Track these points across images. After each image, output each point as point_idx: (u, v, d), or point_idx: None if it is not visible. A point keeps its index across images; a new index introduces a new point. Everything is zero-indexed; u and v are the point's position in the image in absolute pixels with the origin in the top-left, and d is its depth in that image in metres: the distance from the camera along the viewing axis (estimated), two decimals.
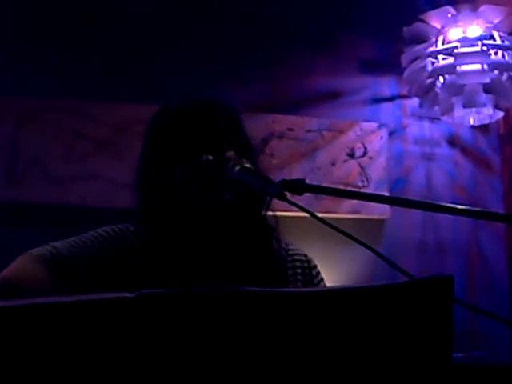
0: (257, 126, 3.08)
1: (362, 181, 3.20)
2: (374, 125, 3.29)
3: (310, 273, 1.58)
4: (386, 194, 3.16)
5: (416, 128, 3.43)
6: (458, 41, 3.03)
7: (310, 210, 1.24)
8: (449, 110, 3.12)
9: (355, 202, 3.02)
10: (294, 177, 1.32)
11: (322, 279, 1.61)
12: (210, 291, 0.81)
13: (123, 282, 1.38)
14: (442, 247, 3.33)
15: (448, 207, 1.19)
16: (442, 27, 3.07)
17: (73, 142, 2.91)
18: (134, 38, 3.07)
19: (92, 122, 2.93)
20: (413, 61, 3.15)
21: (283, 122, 3.15)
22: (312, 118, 3.21)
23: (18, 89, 2.91)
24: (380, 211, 3.17)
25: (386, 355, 0.87)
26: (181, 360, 0.78)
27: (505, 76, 3.07)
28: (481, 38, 3.01)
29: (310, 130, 3.18)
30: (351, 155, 3.21)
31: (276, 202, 1.39)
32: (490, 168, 3.49)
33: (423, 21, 3.09)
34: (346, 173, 3.19)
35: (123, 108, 2.97)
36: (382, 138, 3.28)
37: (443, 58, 3.07)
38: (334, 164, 3.18)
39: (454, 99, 3.07)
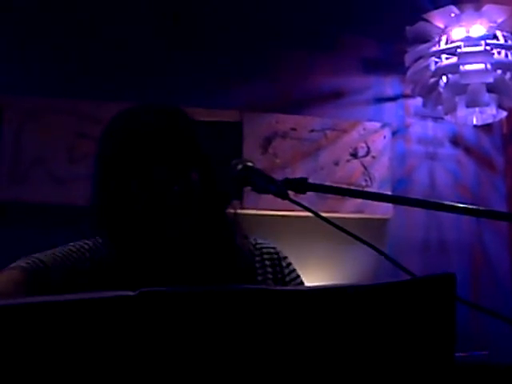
0: (260, 125, 3.08)
1: (366, 180, 3.20)
2: (378, 124, 3.29)
3: (279, 263, 1.56)
4: (390, 193, 3.16)
5: (419, 127, 3.43)
6: (462, 40, 3.03)
7: (313, 209, 1.24)
8: (452, 109, 3.12)
9: (358, 201, 3.02)
10: (297, 176, 1.31)
11: (293, 270, 1.58)
12: (212, 290, 0.81)
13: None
14: (445, 246, 3.33)
15: (451, 206, 1.19)
16: (446, 27, 3.07)
17: (75, 142, 2.91)
18: (136, 38, 3.07)
19: (95, 121, 2.93)
20: (416, 60, 3.15)
21: (286, 121, 3.15)
22: (315, 118, 3.21)
23: (21, 89, 2.91)
24: (383, 211, 3.17)
25: (388, 353, 0.86)
26: (182, 358, 0.78)
27: (508, 75, 3.06)
28: (484, 38, 3.01)
29: (313, 130, 3.18)
30: (354, 155, 3.21)
31: (279, 201, 1.38)
32: (493, 167, 3.48)
33: (426, 20, 3.08)
34: (349, 172, 3.19)
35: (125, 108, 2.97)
36: (385, 137, 3.27)
37: (446, 58, 3.07)
38: (337, 164, 3.18)
39: (457, 99, 3.07)
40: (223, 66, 3.15)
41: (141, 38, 3.08)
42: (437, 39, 3.09)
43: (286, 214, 2.85)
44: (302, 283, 1.56)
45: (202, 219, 1.43)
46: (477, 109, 3.13)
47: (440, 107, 3.20)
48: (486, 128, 3.44)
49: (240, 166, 1.38)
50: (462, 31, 3.05)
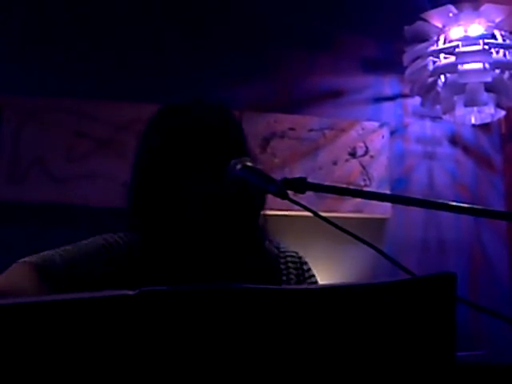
0: (259, 125, 3.09)
1: (364, 180, 3.20)
2: (376, 124, 3.29)
3: (301, 267, 1.59)
4: (388, 192, 3.16)
5: (417, 127, 3.43)
6: (460, 40, 3.03)
7: (312, 209, 1.24)
8: (450, 108, 3.12)
9: (357, 201, 3.02)
10: (296, 176, 1.32)
11: (313, 275, 1.62)
12: (212, 288, 0.81)
13: (116, 286, 1.37)
14: (443, 246, 3.33)
15: (450, 205, 1.19)
16: (444, 26, 3.07)
17: (74, 141, 2.91)
18: (135, 38, 3.07)
19: (93, 121, 2.94)
20: (414, 60, 3.15)
21: (285, 121, 3.15)
22: (314, 118, 3.21)
23: (20, 88, 2.91)
24: (382, 210, 3.18)
25: (388, 353, 0.87)
26: (182, 357, 0.78)
27: (506, 75, 3.07)
28: (482, 37, 3.01)
29: (311, 130, 3.18)
30: (353, 154, 3.21)
31: (278, 200, 1.39)
32: (491, 167, 3.49)
33: (425, 20, 3.09)
34: (348, 172, 3.19)
35: (125, 107, 2.97)
36: (383, 137, 3.27)
37: (445, 57, 3.07)
38: (335, 163, 3.18)
39: (455, 98, 3.07)
40: (222, 65, 3.15)
41: (140, 37, 3.08)
42: (435, 39, 3.09)
43: (285, 214, 2.85)
44: None
45: (237, 219, 1.45)
46: (475, 108, 3.13)
47: (438, 106, 3.20)
48: (485, 127, 3.44)
49: (239, 166, 1.38)
50: (460, 30, 3.05)
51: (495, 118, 3.25)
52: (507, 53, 3.04)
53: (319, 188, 1.36)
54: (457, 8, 3.04)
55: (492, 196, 3.45)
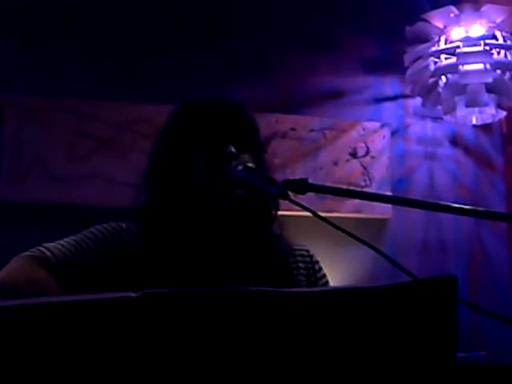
0: (259, 125, 3.08)
1: (365, 180, 3.20)
2: (377, 124, 3.29)
3: (312, 267, 1.60)
4: (389, 193, 3.16)
5: (418, 127, 3.43)
6: (461, 40, 3.03)
7: (312, 209, 1.24)
8: (451, 109, 3.12)
9: (357, 201, 3.02)
10: (297, 176, 1.32)
11: (324, 275, 1.63)
12: (215, 291, 0.81)
13: (117, 278, 1.38)
14: (444, 247, 3.33)
15: (450, 207, 1.19)
16: (445, 27, 3.07)
17: (75, 141, 2.91)
18: (136, 38, 3.07)
19: (94, 121, 2.94)
20: (415, 60, 3.15)
21: (286, 121, 3.15)
22: (314, 118, 3.21)
23: (21, 87, 2.91)
24: (382, 211, 3.17)
25: (389, 355, 0.87)
26: (184, 359, 0.78)
27: (507, 75, 3.07)
28: (483, 38, 3.01)
29: (312, 130, 3.18)
30: (354, 155, 3.21)
31: (278, 200, 1.39)
32: (492, 167, 3.48)
33: (426, 20, 3.09)
34: (349, 172, 3.19)
35: (125, 107, 2.97)
36: (384, 137, 3.27)
37: (446, 58, 3.07)
38: (336, 164, 3.18)
39: (456, 99, 3.07)
40: (222, 65, 3.15)
41: (141, 38, 3.08)
42: (436, 39, 3.10)
43: (284, 214, 2.85)
44: None
45: (250, 215, 1.47)
46: (476, 109, 3.13)
47: (439, 107, 3.20)
48: (486, 128, 3.44)
49: (240, 167, 1.39)
50: (462, 31, 3.05)
51: (496, 119, 3.25)
52: (508, 53, 3.04)
53: (320, 189, 1.36)
54: (458, 9, 3.04)
55: (493, 197, 3.45)
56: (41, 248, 1.40)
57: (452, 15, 3.04)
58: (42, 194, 2.84)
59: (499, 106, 3.12)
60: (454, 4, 3.08)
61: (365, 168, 3.21)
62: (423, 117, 3.42)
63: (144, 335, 0.77)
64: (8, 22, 2.98)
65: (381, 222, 3.22)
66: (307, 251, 1.63)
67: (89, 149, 2.92)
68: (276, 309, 0.81)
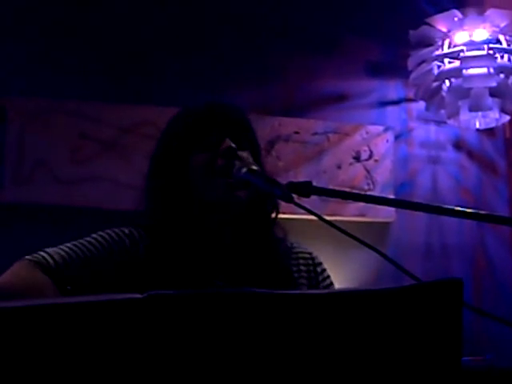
0: (263, 128, 3.08)
1: (368, 184, 3.20)
2: (380, 128, 3.29)
3: (314, 270, 1.59)
4: (392, 197, 3.16)
5: (422, 131, 3.43)
6: (465, 44, 3.03)
7: (316, 212, 1.24)
8: (455, 113, 3.12)
9: (361, 204, 3.02)
10: (300, 180, 1.32)
11: (328, 276, 1.62)
12: (219, 292, 0.81)
13: (119, 284, 1.39)
14: (447, 250, 3.33)
15: (454, 210, 1.19)
16: (449, 31, 3.07)
17: (78, 144, 2.91)
18: (140, 40, 3.08)
19: (98, 123, 2.94)
20: (419, 64, 3.15)
21: (289, 124, 3.15)
22: (318, 121, 3.21)
23: (24, 89, 2.91)
24: (385, 214, 3.17)
25: (394, 359, 0.87)
26: (189, 360, 0.79)
27: (511, 80, 3.07)
28: (487, 42, 3.01)
29: (315, 133, 3.18)
30: (357, 158, 3.21)
31: (283, 204, 1.39)
32: (495, 171, 3.48)
33: (430, 24, 3.09)
34: (352, 176, 3.19)
35: (129, 109, 2.98)
36: (387, 141, 3.27)
37: (449, 62, 3.07)
38: (339, 167, 3.18)
39: (460, 103, 3.07)
40: (225, 68, 3.15)
41: (144, 39, 3.08)
42: (440, 43, 3.10)
43: (288, 217, 2.85)
44: None
45: (250, 218, 1.48)
46: (480, 113, 3.13)
47: (443, 111, 3.20)
48: (489, 132, 3.44)
49: (245, 170, 1.39)
50: (465, 35, 3.05)
51: (500, 123, 3.25)
52: None
53: (325, 192, 1.37)
54: (462, 13, 3.04)
55: (496, 201, 3.44)
56: (42, 253, 1.40)
57: (456, 19, 3.04)
58: (46, 196, 2.84)
59: (503, 110, 3.11)
60: (457, 8, 3.08)
61: (368, 172, 3.21)
62: (427, 121, 3.42)
63: (149, 336, 0.77)
64: (11, 23, 2.98)
65: (384, 226, 3.22)
66: (310, 253, 1.63)
67: (92, 151, 2.92)
68: (281, 311, 0.82)
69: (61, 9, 3.03)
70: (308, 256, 1.61)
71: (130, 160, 2.90)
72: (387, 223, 3.22)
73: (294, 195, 1.29)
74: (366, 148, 3.23)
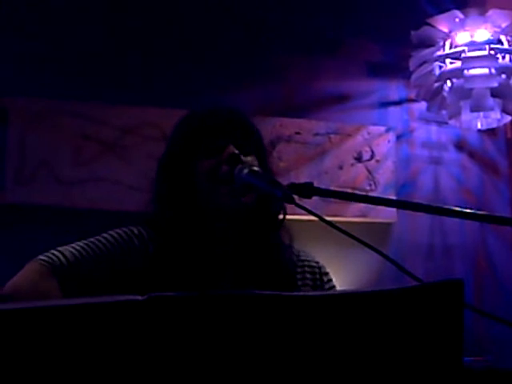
0: (264, 129, 3.06)
1: (370, 184, 3.20)
2: (382, 128, 3.29)
3: (320, 278, 1.60)
4: (394, 197, 3.16)
5: (423, 132, 3.43)
6: (466, 45, 3.03)
7: (317, 213, 1.24)
8: (456, 113, 3.12)
9: (362, 205, 3.02)
10: (302, 180, 1.32)
11: (333, 286, 1.63)
12: (220, 294, 0.81)
13: (128, 284, 1.40)
14: (449, 251, 3.33)
15: (455, 211, 1.19)
16: (450, 31, 3.07)
17: (81, 145, 2.91)
18: (142, 41, 3.08)
19: (100, 124, 2.94)
20: (420, 65, 3.15)
21: (291, 125, 3.15)
22: (319, 122, 3.21)
23: (26, 90, 2.91)
24: (387, 215, 3.17)
25: (396, 359, 0.87)
26: (190, 362, 0.79)
27: None
28: (488, 42, 3.01)
29: (317, 134, 3.18)
30: (358, 159, 3.21)
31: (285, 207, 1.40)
32: (497, 172, 3.48)
33: (431, 25, 3.09)
34: (354, 176, 3.19)
35: (131, 111, 2.98)
36: (389, 141, 3.27)
37: (451, 62, 3.07)
38: (341, 168, 3.18)
39: (461, 103, 3.07)
40: (228, 70, 3.15)
41: (146, 40, 3.09)
42: (441, 44, 3.10)
43: (289, 218, 2.84)
44: None
45: (256, 224, 1.48)
46: (481, 113, 3.13)
47: (444, 112, 3.20)
48: (491, 132, 3.43)
49: (246, 171, 1.39)
50: (467, 36, 3.05)
51: (501, 123, 3.25)
52: None
53: (326, 193, 1.36)
54: (463, 13, 3.04)
55: (497, 201, 3.44)
56: (55, 251, 1.42)
57: (457, 20, 3.04)
58: (47, 197, 2.84)
59: (504, 111, 3.11)
60: (459, 8, 3.08)
61: (370, 172, 3.21)
62: (428, 121, 3.42)
63: (150, 338, 0.77)
64: (14, 24, 2.98)
65: (385, 227, 3.22)
66: (317, 263, 1.63)
67: (94, 152, 2.92)
68: (284, 312, 0.82)
69: (62, 11, 3.03)
70: (315, 265, 1.62)
71: (131, 161, 2.90)
72: (389, 224, 3.22)
73: (295, 196, 1.29)
74: (368, 148, 3.23)
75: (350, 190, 3.06)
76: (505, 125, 3.34)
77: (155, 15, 3.14)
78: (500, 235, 3.39)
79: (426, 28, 3.09)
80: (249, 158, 1.47)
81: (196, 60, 3.12)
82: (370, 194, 3.15)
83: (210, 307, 0.80)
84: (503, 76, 3.03)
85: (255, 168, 1.40)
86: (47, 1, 3.03)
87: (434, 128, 3.44)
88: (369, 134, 3.25)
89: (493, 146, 3.50)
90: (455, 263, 3.32)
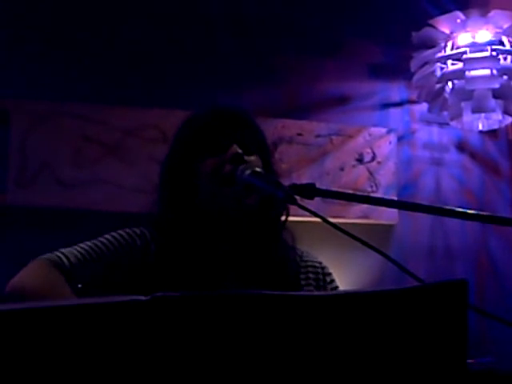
0: (266, 130, 3.05)
1: (371, 186, 3.20)
2: (383, 130, 3.29)
3: (323, 279, 1.60)
4: (395, 198, 3.16)
5: (425, 133, 3.42)
6: (467, 46, 3.03)
7: (320, 214, 1.24)
8: (458, 115, 3.12)
9: (364, 206, 3.02)
10: (303, 182, 1.32)
11: (336, 286, 1.63)
12: (223, 294, 0.81)
13: (131, 284, 1.40)
14: (450, 252, 3.33)
15: (457, 212, 1.19)
16: (451, 32, 3.07)
17: (82, 146, 2.91)
18: (144, 43, 3.08)
19: (101, 126, 2.94)
20: (422, 66, 3.15)
21: (292, 126, 3.15)
22: (321, 123, 3.21)
23: (28, 92, 2.91)
24: (389, 216, 3.17)
25: (399, 360, 0.87)
26: (193, 362, 0.79)
27: None
28: (490, 43, 3.01)
29: (318, 135, 3.18)
30: (360, 160, 3.21)
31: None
32: (498, 173, 3.48)
33: (432, 26, 3.08)
34: (355, 178, 3.19)
35: (132, 112, 2.98)
36: (390, 143, 3.27)
37: (452, 64, 3.07)
38: (342, 169, 3.18)
39: (462, 104, 3.07)
40: (228, 71, 3.15)
41: (148, 42, 3.09)
42: (443, 45, 3.09)
43: (291, 220, 2.84)
44: None
45: (260, 225, 1.48)
46: (482, 114, 3.13)
47: (446, 113, 3.20)
48: (492, 134, 3.43)
49: (248, 172, 1.39)
50: (468, 37, 3.05)
51: (503, 125, 3.24)
52: None
53: (328, 194, 1.36)
54: (465, 14, 3.04)
55: (499, 202, 3.44)
56: (57, 253, 1.43)
57: (458, 21, 3.04)
58: (49, 199, 2.84)
59: (506, 112, 3.11)
60: (460, 9, 3.07)
61: (371, 173, 3.21)
62: (429, 122, 3.41)
63: (153, 338, 0.77)
64: (14, 26, 2.99)
65: (387, 228, 3.21)
66: (319, 263, 1.64)
67: (95, 154, 2.92)
68: (285, 312, 0.82)
69: (65, 13, 3.03)
70: (318, 265, 1.62)
71: (133, 163, 2.90)
72: (390, 225, 3.22)
73: (297, 197, 1.29)
74: (369, 150, 3.23)
75: (351, 192, 3.06)
76: (506, 126, 3.34)
77: (155, 16, 3.14)
78: (502, 236, 3.39)
79: (427, 29, 3.09)
80: (252, 158, 1.48)
81: (197, 61, 3.12)
82: (372, 195, 3.15)
83: (213, 307, 0.80)
84: (505, 77, 3.03)
85: (257, 169, 1.41)
86: (48, 2, 3.03)
87: (435, 129, 3.43)
88: (370, 135, 3.25)
89: (494, 148, 3.50)
90: (457, 264, 3.32)
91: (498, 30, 3.03)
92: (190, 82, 3.07)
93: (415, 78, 3.17)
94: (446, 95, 3.13)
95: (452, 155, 3.44)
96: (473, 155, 3.46)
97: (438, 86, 3.13)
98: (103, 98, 2.98)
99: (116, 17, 3.09)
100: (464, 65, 3.00)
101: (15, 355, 0.74)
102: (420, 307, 0.88)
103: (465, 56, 3.00)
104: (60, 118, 2.90)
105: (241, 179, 1.40)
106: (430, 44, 3.11)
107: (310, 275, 1.59)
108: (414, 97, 3.33)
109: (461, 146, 3.46)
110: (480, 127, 3.24)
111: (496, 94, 2.99)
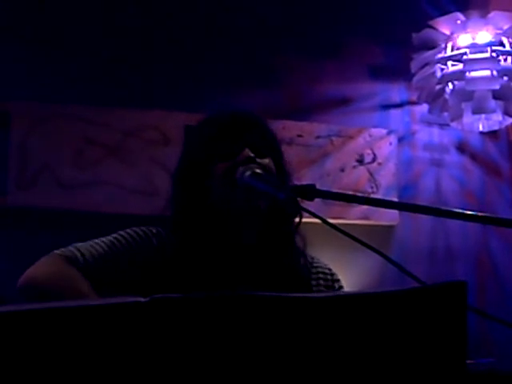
0: None
1: (371, 187, 3.20)
2: (383, 131, 3.29)
3: (332, 285, 1.61)
4: (396, 200, 3.16)
5: (425, 134, 3.42)
6: (468, 47, 3.03)
7: (320, 215, 1.24)
8: (458, 116, 3.12)
9: (364, 208, 3.01)
10: (304, 183, 1.32)
11: None
12: (223, 296, 0.81)
13: (145, 283, 1.40)
14: (451, 253, 3.32)
15: (457, 213, 1.19)
16: (452, 33, 3.07)
17: (83, 148, 2.91)
18: (143, 44, 3.08)
19: (102, 127, 2.94)
20: (422, 67, 3.15)
21: (293, 128, 3.15)
22: (321, 124, 3.21)
23: (28, 94, 2.91)
24: (389, 217, 3.17)
25: (399, 361, 0.87)
26: (194, 364, 0.79)
27: None
28: (490, 44, 3.01)
29: (319, 136, 3.18)
30: (360, 161, 3.21)
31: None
32: (499, 174, 3.48)
33: (432, 27, 3.09)
34: (355, 179, 3.19)
35: (133, 114, 2.98)
36: (391, 144, 3.27)
37: (452, 65, 3.07)
38: (343, 170, 3.18)
39: (463, 105, 3.07)
40: (229, 72, 3.15)
41: (149, 43, 3.09)
42: (443, 46, 3.09)
43: None
44: None
45: (273, 228, 1.49)
46: (483, 115, 3.13)
47: (446, 114, 3.20)
48: (492, 135, 3.43)
49: (249, 173, 1.39)
50: (468, 38, 3.05)
51: (503, 126, 3.25)
52: None
53: (328, 195, 1.37)
54: (465, 15, 3.04)
55: (499, 204, 3.44)
56: (71, 248, 1.43)
57: (459, 22, 3.04)
58: (49, 201, 2.84)
59: (506, 113, 3.11)
60: (460, 11, 3.08)
61: (371, 175, 3.21)
62: (430, 123, 3.41)
63: (153, 340, 0.77)
64: (15, 28, 2.99)
65: (388, 229, 3.21)
66: (329, 269, 1.65)
67: (96, 155, 2.93)
68: (288, 314, 0.82)
69: (65, 15, 3.04)
70: (327, 272, 1.63)
71: (133, 164, 2.90)
72: (391, 226, 3.22)
73: (297, 198, 1.29)
74: (370, 151, 3.23)
75: (351, 193, 3.05)
76: (506, 127, 3.34)
77: (155, 17, 3.14)
78: (502, 237, 3.39)
79: (427, 30, 3.09)
80: (266, 161, 1.48)
81: (197, 63, 3.12)
82: (372, 196, 3.15)
83: (213, 308, 0.80)
84: (505, 78, 3.03)
85: (258, 170, 1.41)
86: (48, 4, 3.03)
87: (435, 130, 3.43)
88: (370, 136, 3.25)
89: (495, 148, 3.49)
90: (457, 265, 3.32)
91: (498, 31, 3.04)
92: (190, 83, 3.07)
93: (415, 79, 3.17)
94: (447, 96, 3.13)
95: (452, 156, 3.44)
96: (473, 156, 3.46)
97: (439, 87, 3.13)
98: (103, 99, 2.98)
99: (115, 18, 3.09)
100: (464, 66, 3.00)
101: (15, 356, 0.75)
102: (419, 308, 0.88)
103: (465, 57, 3.00)
104: (60, 120, 2.91)
105: (241, 181, 1.40)
106: (431, 45, 3.12)
107: (321, 281, 1.60)
108: (414, 98, 3.33)
109: (461, 147, 3.46)
110: (480, 128, 3.24)
111: (496, 95, 2.99)
